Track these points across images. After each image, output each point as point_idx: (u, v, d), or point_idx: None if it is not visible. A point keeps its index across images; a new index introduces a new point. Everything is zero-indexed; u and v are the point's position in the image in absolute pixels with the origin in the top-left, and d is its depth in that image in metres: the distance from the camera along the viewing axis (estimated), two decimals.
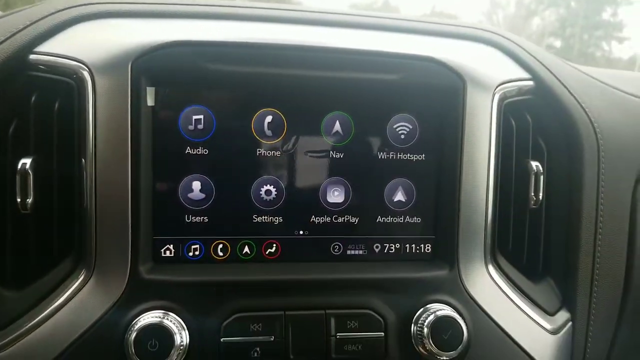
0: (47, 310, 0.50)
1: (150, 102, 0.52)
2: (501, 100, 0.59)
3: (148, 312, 0.50)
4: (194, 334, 0.51)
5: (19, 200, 0.50)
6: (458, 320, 0.54)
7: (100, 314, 0.50)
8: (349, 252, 0.58)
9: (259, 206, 0.56)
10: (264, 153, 0.55)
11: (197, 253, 0.55)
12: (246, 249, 0.56)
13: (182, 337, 0.50)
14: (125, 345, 0.49)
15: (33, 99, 0.52)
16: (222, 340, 0.52)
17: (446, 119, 0.58)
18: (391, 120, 0.58)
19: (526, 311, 0.59)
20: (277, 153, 0.56)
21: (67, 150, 0.52)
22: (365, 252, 0.58)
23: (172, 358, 0.49)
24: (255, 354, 0.52)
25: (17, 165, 0.50)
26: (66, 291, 0.51)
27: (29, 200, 0.51)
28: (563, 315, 0.61)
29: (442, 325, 0.53)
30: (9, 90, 0.51)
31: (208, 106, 0.54)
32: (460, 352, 0.54)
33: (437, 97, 0.58)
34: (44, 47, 0.52)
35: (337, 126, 0.56)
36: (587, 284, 0.61)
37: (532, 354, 0.58)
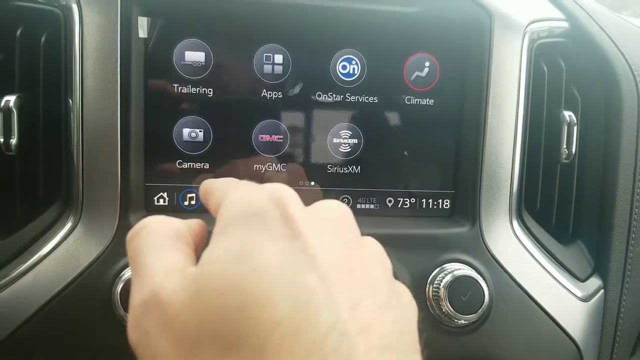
0: (31, 260, 0.46)
1: (142, 34, 0.47)
2: (532, 41, 0.53)
3: None
4: None
5: (1, 140, 0.47)
6: (478, 280, 0.49)
7: (87, 264, 0.46)
8: (358, 206, 0.53)
9: (260, 152, 0.51)
10: (267, 94, 0.50)
11: (193, 202, 0.50)
12: None
13: None
14: (112, 297, 0.45)
15: (19, 32, 0.48)
16: None
17: (470, 60, 0.52)
18: (408, 60, 0.52)
19: (554, 275, 0.54)
20: (281, 94, 0.51)
21: (53, 87, 0.48)
22: (377, 206, 0.53)
23: None
24: None
25: (0, 103, 0.46)
26: (51, 240, 0.47)
27: (13, 141, 0.47)
28: (594, 282, 0.56)
29: (460, 285, 0.48)
30: None
31: (205, 40, 0.49)
32: (481, 316, 0.49)
33: (461, 34, 0.52)
34: None
35: (348, 66, 0.51)
36: (622, 249, 0.56)
37: (560, 321, 0.53)
